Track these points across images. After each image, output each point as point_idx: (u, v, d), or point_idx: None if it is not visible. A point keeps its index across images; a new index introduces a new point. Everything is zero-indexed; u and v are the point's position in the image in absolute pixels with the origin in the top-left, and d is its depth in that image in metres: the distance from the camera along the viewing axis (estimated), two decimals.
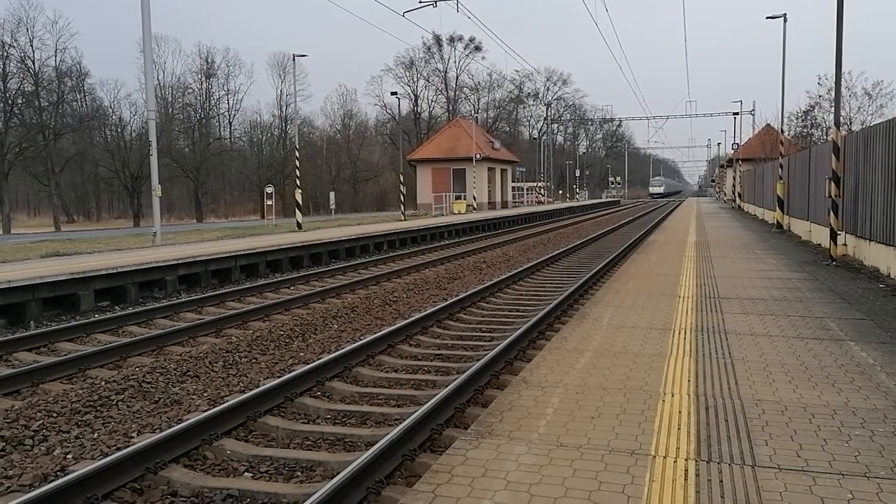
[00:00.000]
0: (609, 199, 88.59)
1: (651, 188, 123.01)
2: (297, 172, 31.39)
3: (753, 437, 4.20)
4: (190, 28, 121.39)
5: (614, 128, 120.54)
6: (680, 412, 4.67)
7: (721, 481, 3.59)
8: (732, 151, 56.87)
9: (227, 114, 78.25)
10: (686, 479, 3.61)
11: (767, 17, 26.98)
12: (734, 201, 52.11)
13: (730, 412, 4.66)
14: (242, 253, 16.42)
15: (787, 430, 4.32)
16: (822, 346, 6.58)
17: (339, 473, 4.46)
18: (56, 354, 8.84)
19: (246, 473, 5.12)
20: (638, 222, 37.92)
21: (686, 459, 3.87)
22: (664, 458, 3.90)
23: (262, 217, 48.84)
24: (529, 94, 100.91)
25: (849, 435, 4.24)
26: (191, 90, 74.60)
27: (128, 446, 5.29)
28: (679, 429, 4.35)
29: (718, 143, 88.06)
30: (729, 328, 7.42)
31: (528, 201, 68.53)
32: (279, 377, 7.12)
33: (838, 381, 5.39)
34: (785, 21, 26.17)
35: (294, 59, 34.40)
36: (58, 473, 5.06)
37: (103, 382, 7.19)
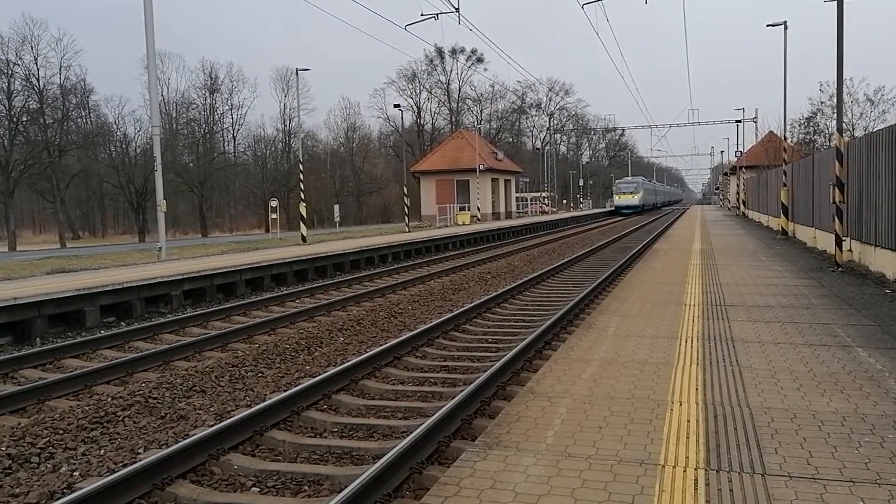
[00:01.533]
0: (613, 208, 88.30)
1: (617, 198, 70.73)
2: (301, 186, 31.52)
3: (763, 446, 4.17)
4: (193, 44, 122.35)
5: (617, 137, 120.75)
6: (688, 421, 4.64)
7: (731, 490, 3.56)
8: (736, 159, 56.89)
9: (230, 128, 78.73)
10: (696, 489, 3.59)
11: (768, 25, 27.03)
12: (738, 209, 52.05)
13: (738, 420, 4.64)
14: (247, 267, 16.44)
15: (797, 438, 4.29)
16: (830, 352, 6.54)
17: (346, 487, 4.44)
18: (62, 371, 8.85)
19: (253, 488, 5.10)
20: (642, 231, 37.89)
21: (696, 469, 3.85)
22: (673, 467, 3.88)
23: (267, 231, 48.95)
24: (532, 104, 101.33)
25: (859, 442, 4.21)
26: (195, 105, 75.16)
27: (134, 462, 5.29)
28: (688, 438, 4.33)
29: (722, 151, 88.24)
30: (736, 336, 7.39)
31: (532, 211, 68.55)
32: (285, 391, 7.11)
33: (847, 387, 5.36)
34: (785, 29, 26.21)
35: (297, 74, 34.60)
36: (64, 491, 5.05)
37: (109, 398, 7.19)
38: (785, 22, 26.05)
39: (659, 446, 4.20)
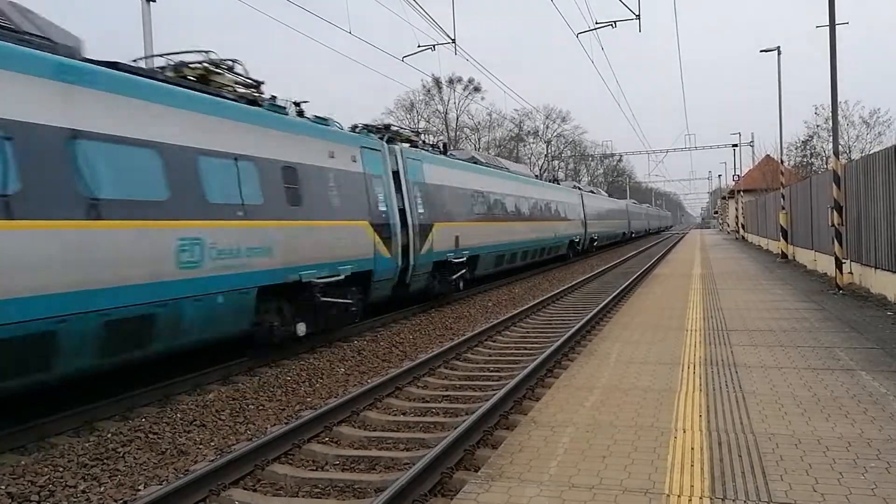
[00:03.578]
0: None
1: None
2: None
3: (768, 473, 4.14)
4: None
5: (615, 163, 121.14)
6: (692, 448, 4.61)
7: None
8: (733, 183, 57.10)
9: None
10: None
11: (761, 51, 27.40)
12: (737, 232, 52.14)
13: (743, 447, 4.60)
14: None
15: (802, 465, 4.26)
16: (833, 376, 6.52)
17: None
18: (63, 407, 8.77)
19: None
20: (642, 255, 37.91)
21: (700, 497, 3.81)
22: (678, 496, 3.84)
23: None
24: (529, 132, 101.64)
25: (864, 467, 4.18)
26: None
27: (134, 500, 5.24)
28: (692, 466, 4.30)
29: (719, 175, 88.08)
30: (738, 361, 7.36)
31: None
32: (286, 424, 7.06)
33: (851, 411, 5.33)
34: (779, 54, 26.53)
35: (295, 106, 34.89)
36: None
37: (110, 434, 7.14)
38: (778, 47, 26.41)
39: (663, 475, 4.17)
